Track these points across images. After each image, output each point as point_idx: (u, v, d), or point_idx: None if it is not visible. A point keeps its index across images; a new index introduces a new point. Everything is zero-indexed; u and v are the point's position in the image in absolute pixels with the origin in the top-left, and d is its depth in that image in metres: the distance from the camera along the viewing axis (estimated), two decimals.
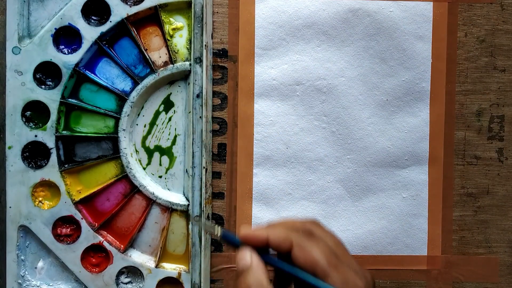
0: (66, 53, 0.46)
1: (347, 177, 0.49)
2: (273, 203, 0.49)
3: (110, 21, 0.46)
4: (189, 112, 0.46)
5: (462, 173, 0.49)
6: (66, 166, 0.47)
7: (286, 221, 0.32)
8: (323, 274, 0.29)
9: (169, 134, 0.48)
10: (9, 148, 0.46)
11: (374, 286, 0.32)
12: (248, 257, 0.31)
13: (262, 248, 0.31)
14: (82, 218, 0.47)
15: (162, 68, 0.46)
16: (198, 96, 0.46)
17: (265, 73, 0.48)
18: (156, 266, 0.47)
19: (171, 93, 0.47)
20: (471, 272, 0.49)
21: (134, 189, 0.47)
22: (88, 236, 0.47)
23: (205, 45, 0.46)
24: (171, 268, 0.47)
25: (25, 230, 0.47)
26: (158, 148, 0.48)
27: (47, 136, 0.46)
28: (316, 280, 0.30)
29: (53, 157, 0.46)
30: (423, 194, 0.49)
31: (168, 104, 0.48)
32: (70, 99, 0.47)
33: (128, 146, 0.47)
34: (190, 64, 0.46)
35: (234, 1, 0.48)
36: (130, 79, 0.47)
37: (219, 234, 0.34)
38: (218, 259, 0.48)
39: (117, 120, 0.47)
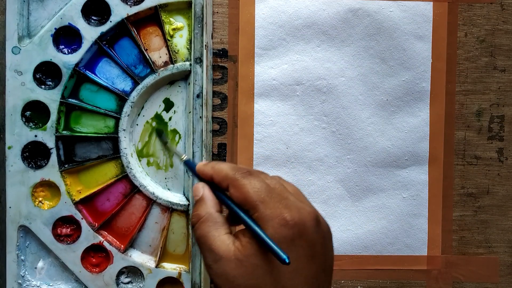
0: (66, 53, 0.46)
1: (347, 177, 0.49)
2: None
3: (110, 21, 0.46)
4: (189, 112, 0.46)
5: (462, 173, 0.49)
6: (66, 166, 0.47)
7: (231, 164, 0.35)
8: (251, 208, 0.32)
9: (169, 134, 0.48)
10: (9, 148, 0.46)
11: (319, 222, 0.32)
12: (200, 190, 0.35)
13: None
14: (82, 218, 0.47)
15: (162, 68, 0.46)
16: (198, 96, 0.46)
17: (265, 73, 0.48)
18: (156, 266, 0.47)
19: (171, 93, 0.47)
20: (471, 272, 0.49)
21: (134, 189, 0.47)
22: (88, 236, 0.47)
23: (205, 45, 0.46)
24: (171, 268, 0.47)
25: (25, 230, 0.47)
26: None
27: (47, 136, 0.46)
28: (242, 213, 0.32)
29: (53, 157, 0.46)
30: (423, 194, 0.49)
31: (168, 104, 0.48)
32: (70, 99, 0.47)
33: (128, 146, 0.47)
34: (190, 64, 0.46)
35: (234, 1, 0.48)
36: (130, 79, 0.47)
37: (184, 159, 0.42)
38: None
39: (117, 120, 0.47)
